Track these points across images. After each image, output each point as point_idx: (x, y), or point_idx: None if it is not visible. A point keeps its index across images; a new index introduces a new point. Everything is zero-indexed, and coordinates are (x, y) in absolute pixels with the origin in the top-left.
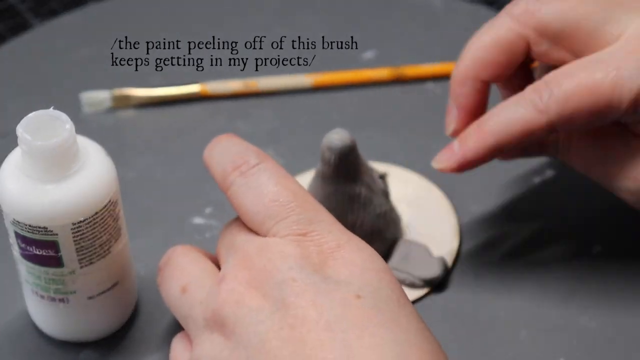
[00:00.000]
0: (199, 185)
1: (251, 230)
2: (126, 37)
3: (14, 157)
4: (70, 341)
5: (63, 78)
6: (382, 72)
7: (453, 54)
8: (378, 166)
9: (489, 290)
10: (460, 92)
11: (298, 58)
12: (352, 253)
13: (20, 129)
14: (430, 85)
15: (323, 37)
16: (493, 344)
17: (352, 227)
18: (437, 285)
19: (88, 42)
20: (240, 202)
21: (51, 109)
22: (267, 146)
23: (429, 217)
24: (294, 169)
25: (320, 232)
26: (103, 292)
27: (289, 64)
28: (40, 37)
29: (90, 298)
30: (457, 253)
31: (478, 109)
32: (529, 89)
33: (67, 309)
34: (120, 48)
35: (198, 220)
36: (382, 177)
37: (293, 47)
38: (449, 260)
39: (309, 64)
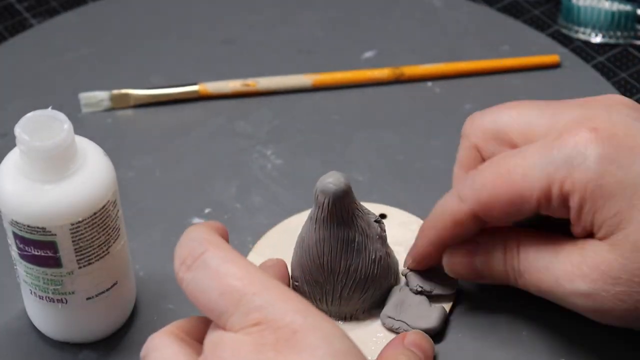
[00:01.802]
0: (197, 186)
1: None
2: (126, 37)
3: (13, 157)
4: (69, 342)
5: (61, 78)
6: (382, 72)
7: (453, 54)
8: (376, 208)
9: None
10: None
11: (298, 58)
12: (308, 338)
13: (18, 129)
14: (430, 85)
15: (323, 37)
16: (494, 344)
17: (346, 273)
18: (434, 335)
19: (87, 41)
20: (193, 299)
21: (49, 109)
22: (266, 146)
23: None
24: (293, 169)
25: (274, 317)
26: (102, 293)
27: (289, 64)
28: (39, 36)
29: (89, 299)
30: (454, 300)
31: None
32: (459, 180)
33: (66, 309)
34: (120, 48)
35: (197, 220)
36: (379, 220)
37: (293, 47)
38: (447, 309)
39: (309, 64)
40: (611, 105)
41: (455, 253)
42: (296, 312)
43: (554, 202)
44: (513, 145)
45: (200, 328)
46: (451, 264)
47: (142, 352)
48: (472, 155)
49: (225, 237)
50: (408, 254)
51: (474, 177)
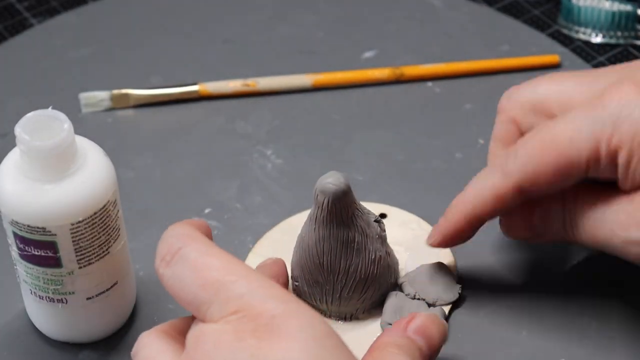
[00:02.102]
0: (198, 186)
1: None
2: (126, 37)
3: (13, 157)
4: (69, 342)
5: (62, 78)
6: (382, 72)
7: (453, 54)
8: (376, 207)
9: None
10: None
11: (298, 58)
12: (289, 323)
13: (18, 129)
14: (430, 85)
15: (323, 37)
16: (494, 344)
17: (346, 273)
18: None
19: (87, 41)
20: (174, 294)
21: (50, 108)
22: (267, 146)
23: (427, 263)
24: (293, 169)
25: (253, 304)
26: (102, 293)
27: (289, 64)
28: (39, 36)
29: (89, 299)
30: (455, 301)
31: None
32: (501, 155)
33: (66, 309)
34: (120, 48)
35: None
36: (379, 220)
37: (293, 47)
38: (446, 310)
39: (309, 64)
40: None
41: (512, 215)
42: (275, 299)
43: (602, 162)
44: (552, 116)
45: (190, 325)
46: (508, 226)
47: (133, 351)
48: (510, 129)
49: (208, 234)
50: (434, 230)
51: (517, 150)
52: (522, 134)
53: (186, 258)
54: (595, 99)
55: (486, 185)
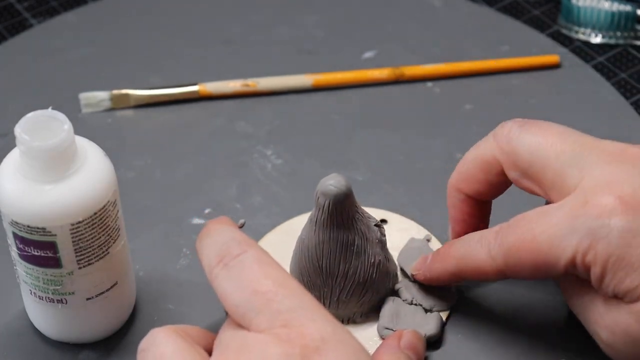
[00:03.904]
0: (198, 186)
1: (237, 323)
2: (126, 37)
3: (13, 157)
4: (69, 342)
5: (62, 78)
6: (382, 72)
7: (453, 54)
8: (377, 213)
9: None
10: (449, 203)
11: (298, 58)
12: (338, 348)
13: (18, 130)
14: (430, 85)
15: (323, 37)
16: (494, 344)
17: (345, 276)
18: (433, 342)
19: (87, 41)
20: (223, 295)
21: (49, 109)
22: (267, 146)
23: None
24: (293, 169)
25: (303, 321)
26: (102, 293)
27: (289, 64)
28: (39, 36)
29: (88, 299)
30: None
31: (468, 222)
32: (490, 232)
33: (66, 310)
34: (120, 48)
35: (197, 220)
36: (379, 225)
37: (293, 47)
38: (444, 316)
39: (309, 64)
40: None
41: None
42: (325, 320)
43: (578, 270)
44: (541, 186)
45: (201, 336)
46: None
47: (142, 345)
48: (492, 162)
49: None
50: (419, 268)
51: (501, 238)
52: (503, 175)
53: (245, 264)
54: (578, 203)
55: (473, 257)
